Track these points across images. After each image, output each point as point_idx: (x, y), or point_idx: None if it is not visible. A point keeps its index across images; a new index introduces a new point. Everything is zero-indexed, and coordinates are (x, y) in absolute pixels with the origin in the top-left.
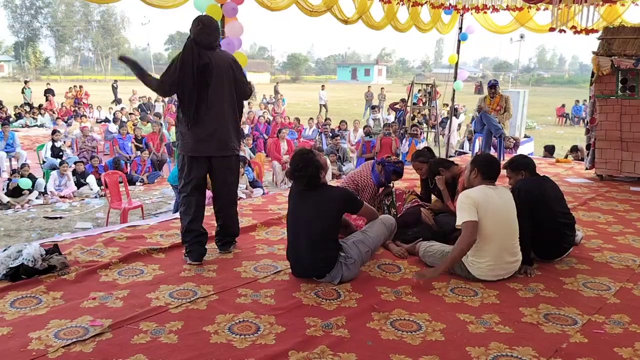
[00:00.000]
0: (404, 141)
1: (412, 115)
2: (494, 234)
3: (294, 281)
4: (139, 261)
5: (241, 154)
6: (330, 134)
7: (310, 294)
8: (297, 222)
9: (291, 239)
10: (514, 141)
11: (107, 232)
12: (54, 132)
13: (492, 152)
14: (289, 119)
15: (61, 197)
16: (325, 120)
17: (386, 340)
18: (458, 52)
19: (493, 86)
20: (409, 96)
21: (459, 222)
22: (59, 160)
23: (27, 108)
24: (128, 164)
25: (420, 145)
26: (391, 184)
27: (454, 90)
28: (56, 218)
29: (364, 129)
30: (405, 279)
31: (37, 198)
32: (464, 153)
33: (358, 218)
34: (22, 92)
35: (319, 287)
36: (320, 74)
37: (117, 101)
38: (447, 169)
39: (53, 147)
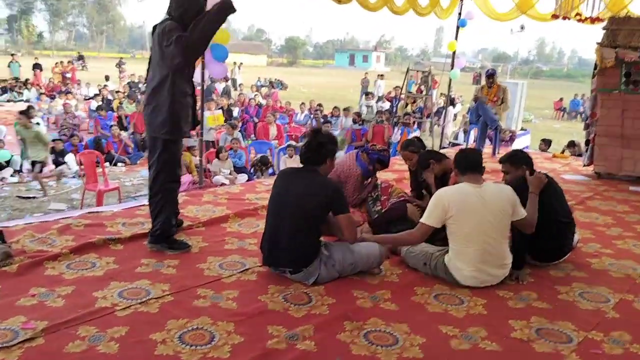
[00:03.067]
0: (395, 130)
1: (405, 103)
2: (472, 237)
3: (262, 282)
4: (93, 252)
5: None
6: (322, 120)
7: (278, 297)
8: (284, 202)
9: (272, 221)
10: (510, 134)
11: (65, 218)
12: (29, 108)
13: (487, 144)
14: (280, 102)
15: None
16: (318, 105)
17: (357, 356)
18: (456, 39)
19: (491, 75)
20: (403, 84)
21: (421, 219)
22: None
23: (14, 82)
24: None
25: (413, 135)
26: (376, 176)
27: (450, 79)
28: (29, 198)
29: (354, 116)
30: (386, 283)
31: (12, 176)
32: (458, 144)
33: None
34: (8, 66)
35: (289, 289)
36: (318, 58)
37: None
38: (438, 162)
39: None
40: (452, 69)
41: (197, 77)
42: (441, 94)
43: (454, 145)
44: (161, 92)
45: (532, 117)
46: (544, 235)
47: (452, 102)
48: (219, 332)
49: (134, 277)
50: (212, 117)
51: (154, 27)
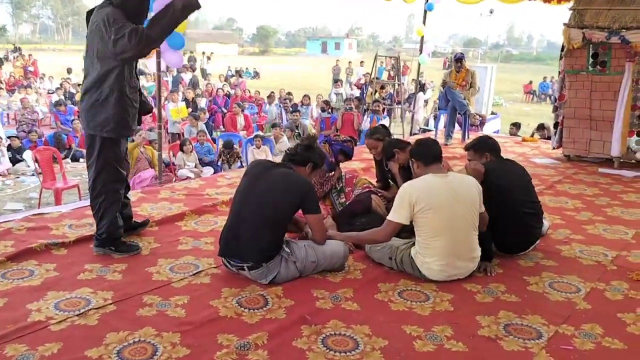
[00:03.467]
0: (365, 117)
1: (374, 90)
2: (441, 229)
3: (216, 284)
4: (33, 259)
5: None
6: (291, 109)
7: (231, 301)
8: (253, 194)
9: (237, 212)
10: (480, 118)
11: (7, 221)
12: None
13: (457, 129)
14: (249, 92)
15: None
16: (287, 94)
17: None
18: (424, 24)
19: (459, 60)
20: (372, 71)
21: (389, 216)
22: None
23: None
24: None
25: (383, 123)
26: (340, 168)
27: (419, 64)
28: None
29: (322, 104)
30: (348, 280)
31: None
32: (429, 130)
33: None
34: None
35: (245, 291)
36: (290, 46)
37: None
38: (403, 151)
39: None
40: (420, 54)
41: (153, 67)
42: (412, 79)
43: (425, 131)
44: (104, 86)
45: (502, 101)
46: (508, 228)
47: (422, 87)
48: (163, 344)
49: (75, 285)
50: (175, 110)
51: (89, 13)
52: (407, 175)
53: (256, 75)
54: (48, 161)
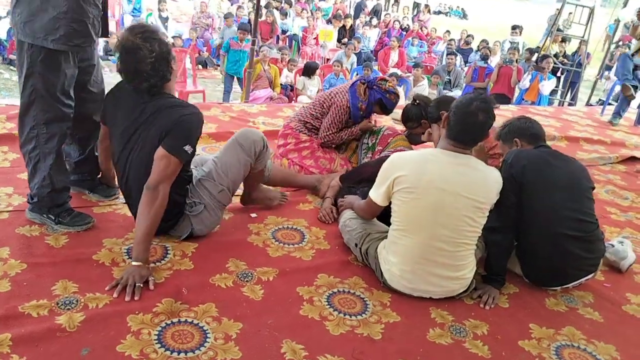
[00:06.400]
0: (526, 75)
1: (550, 43)
2: (419, 223)
3: (120, 227)
4: (6, 145)
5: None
6: (452, 52)
7: (122, 246)
8: (130, 133)
9: (121, 166)
10: None
11: None
12: (160, 0)
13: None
14: (426, 29)
15: None
16: (468, 36)
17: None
18: None
19: None
20: (555, 21)
21: (370, 190)
22: None
23: None
24: None
25: (546, 85)
26: (371, 119)
27: (617, 21)
28: None
29: (485, 51)
30: (289, 259)
31: None
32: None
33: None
34: None
35: (155, 239)
36: None
37: None
38: None
39: (160, 17)
40: (624, 6)
41: None
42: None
43: (603, 102)
44: None
45: None
46: (535, 248)
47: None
48: None
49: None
50: (323, 31)
51: None
52: None
53: (464, 15)
54: (180, 62)
